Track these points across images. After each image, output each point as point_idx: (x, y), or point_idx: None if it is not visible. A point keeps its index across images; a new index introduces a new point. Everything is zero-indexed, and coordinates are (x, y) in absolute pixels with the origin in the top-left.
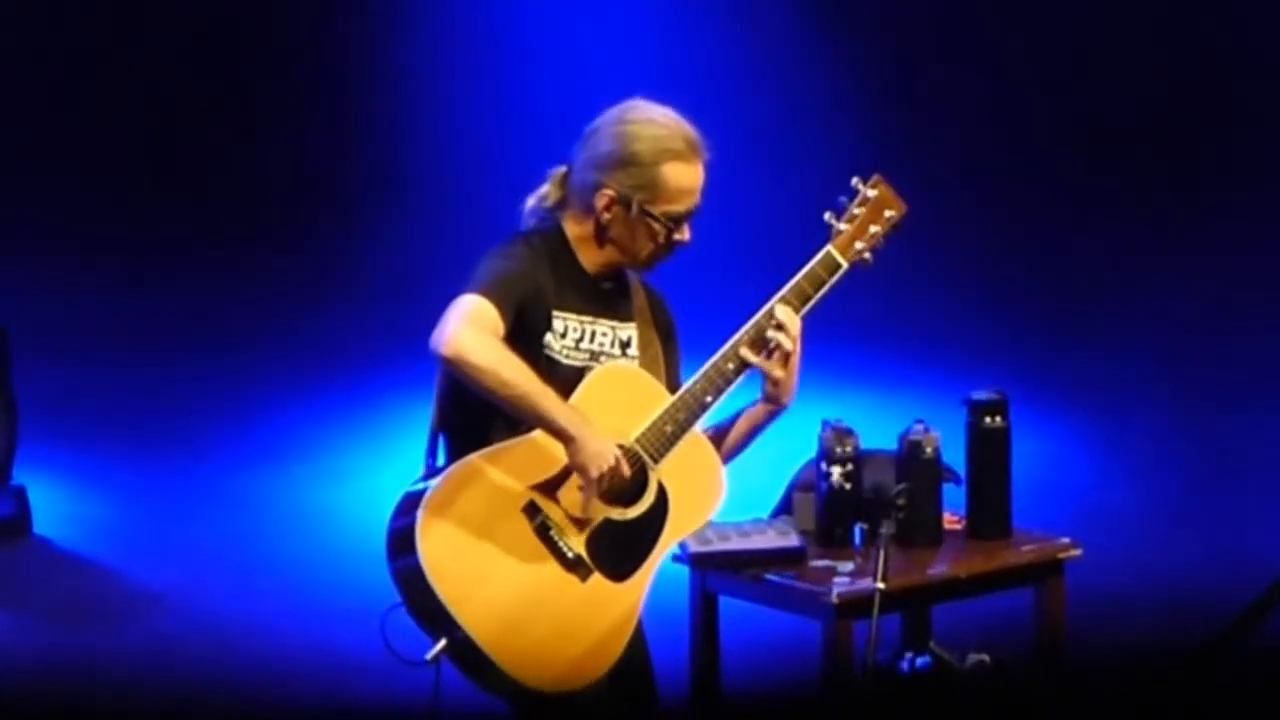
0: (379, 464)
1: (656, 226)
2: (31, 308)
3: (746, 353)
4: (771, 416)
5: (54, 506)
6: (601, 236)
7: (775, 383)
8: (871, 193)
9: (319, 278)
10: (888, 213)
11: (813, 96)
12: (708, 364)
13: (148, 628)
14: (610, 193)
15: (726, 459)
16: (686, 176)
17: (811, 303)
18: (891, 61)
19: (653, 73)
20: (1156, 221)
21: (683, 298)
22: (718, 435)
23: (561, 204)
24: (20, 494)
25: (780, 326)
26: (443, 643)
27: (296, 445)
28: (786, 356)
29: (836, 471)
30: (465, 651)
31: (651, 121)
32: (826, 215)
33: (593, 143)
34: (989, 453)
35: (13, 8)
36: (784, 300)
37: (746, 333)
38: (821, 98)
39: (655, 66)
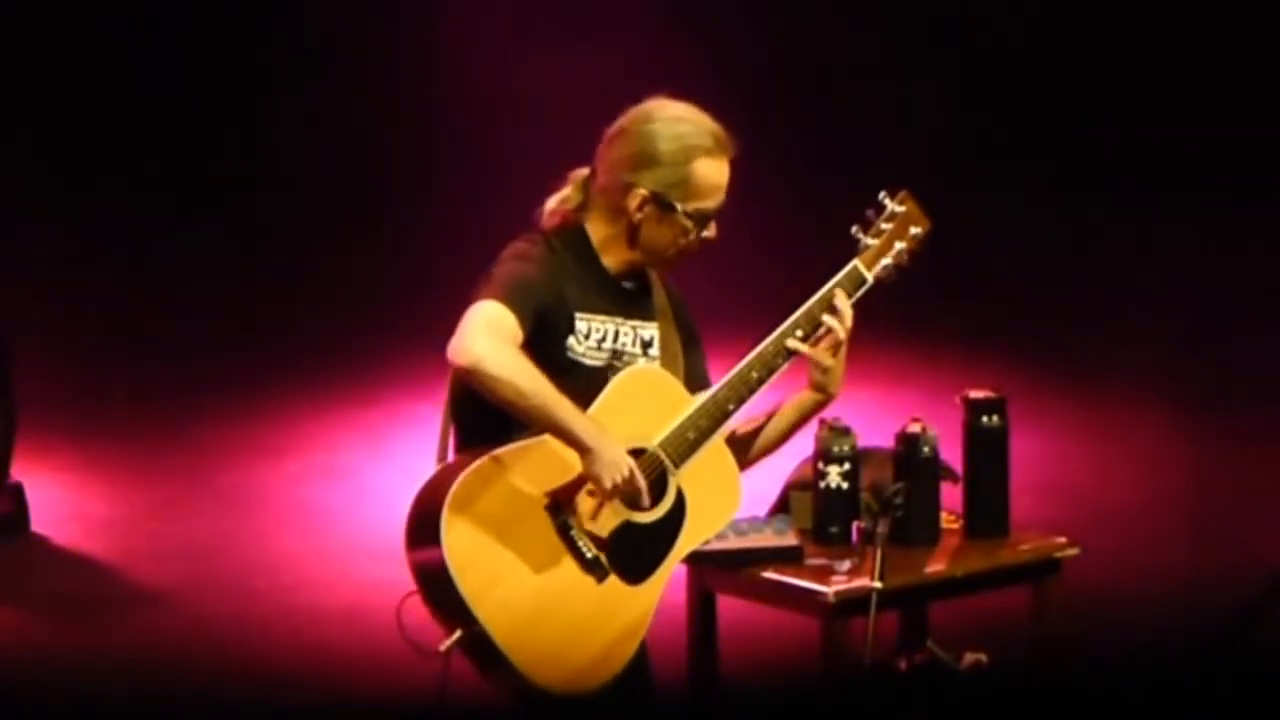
0: (376, 462)
1: (688, 224)
2: (31, 306)
3: (794, 343)
4: (819, 406)
5: (51, 504)
6: (632, 237)
7: (824, 370)
8: (899, 208)
9: (318, 277)
10: (914, 229)
11: (820, 97)
12: (732, 373)
13: (145, 625)
14: (643, 192)
15: (773, 447)
16: (716, 172)
17: None
18: (889, 60)
19: (666, 75)
20: (1157, 219)
21: (707, 307)
22: (747, 436)
23: (583, 206)
24: (18, 491)
25: (835, 311)
26: (457, 634)
27: (294, 442)
28: (838, 344)
29: (834, 471)
30: (480, 646)
31: (678, 119)
32: (854, 229)
33: (619, 144)
34: (987, 452)
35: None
36: (809, 311)
37: (776, 338)
38: (825, 97)
39: (668, 68)
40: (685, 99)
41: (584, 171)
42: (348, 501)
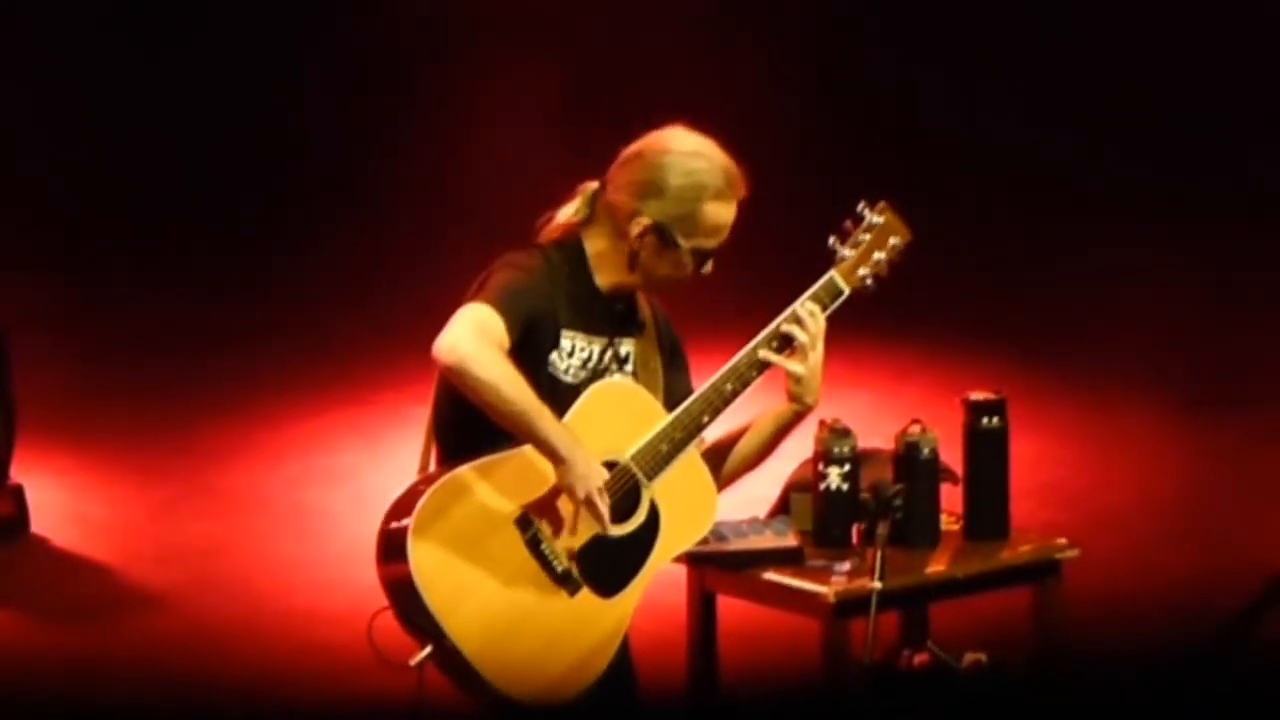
0: (375, 464)
1: (686, 259)
2: (31, 307)
3: (766, 353)
4: (797, 417)
5: (52, 506)
6: (630, 261)
7: (797, 379)
8: (877, 219)
9: (317, 278)
10: (893, 240)
11: (806, 103)
12: (706, 385)
13: (145, 627)
14: (646, 221)
15: (754, 463)
16: (722, 214)
17: None
18: (887, 62)
19: (666, 80)
20: (1156, 219)
21: (682, 317)
22: (724, 447)
23: (588, 220)
24: (18, 493)
25: (800, 321)
26: (428, 649)
27: (293, 445)
28: (806, 353)
29: (834, 472)
30: (450, 660)
31: (695, 155)
32: (831, 240)
33: (631, 168)
34: (987, 453)
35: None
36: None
37: (750, 350)
38: (815, 103)
39: (668, 73)
40: (702, 128)
41: (594, 185)
42: (347, 504)
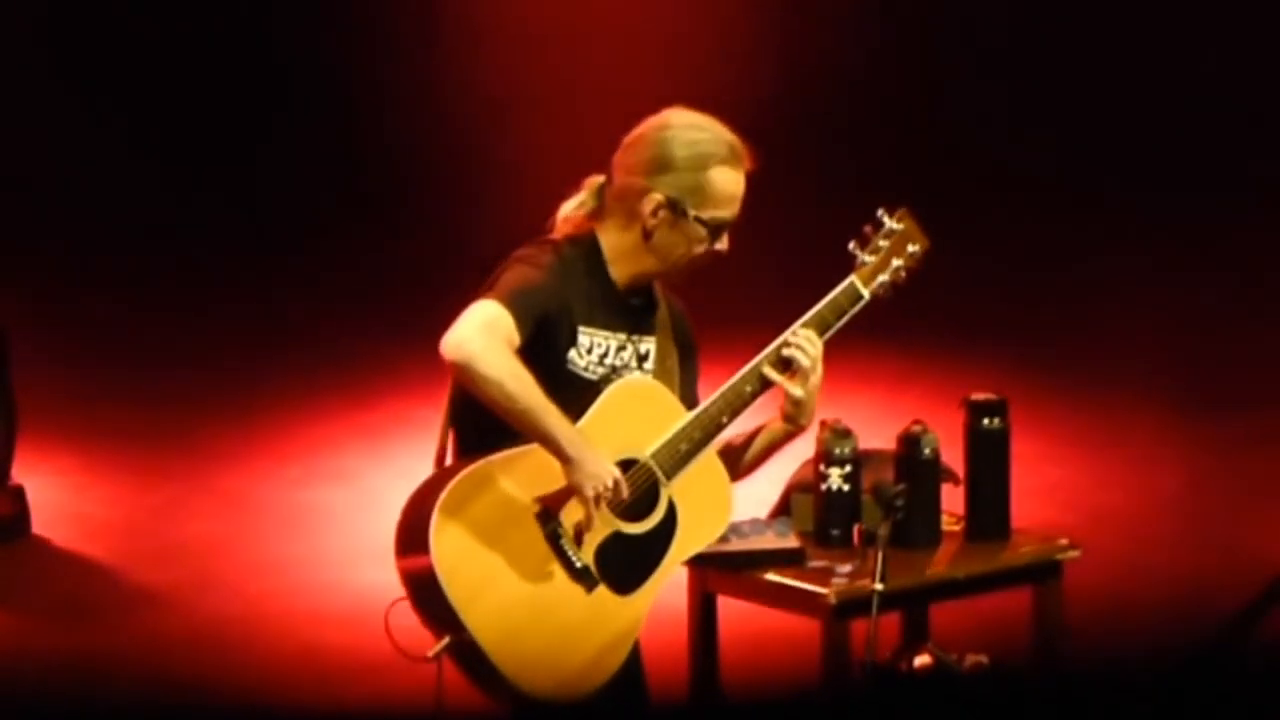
0: (378, 465)
1: (702, 232)
2: (31, 307)
3: (769, 371)
4: (788, 436)
5: (52, 506)
6: (645, 243)
7: (795, 402)
8: (897, 226)
9: (319, 278)
10: (911, 247)
11: (824, 106)
12: (726, 385)
13: (146, 627)
14: (658, 197)
15: (744, 473)
16: (732, 182)
17: (831, 331)
18: (892, 64)
19: (676, 81)
20: (1157, 220)
21: (706, 318)
22: (738, 448)
23: (597, 213)
24: (19, 493)
25: (800, 346)
26: (446, 640)
27: (295, 445)
28: (807, 376)
29: (835, 473)
30: (467, 653)
31: (695, 127)
32: (851, 245)
33: (635, 150)
34: (988, 454)
35: None
36: (805, 326)
37: (768, 355)
38: (825, 104)
39: (678, 75)
40: (703, 109)
41: (600, 178)
42: (349, 505)
